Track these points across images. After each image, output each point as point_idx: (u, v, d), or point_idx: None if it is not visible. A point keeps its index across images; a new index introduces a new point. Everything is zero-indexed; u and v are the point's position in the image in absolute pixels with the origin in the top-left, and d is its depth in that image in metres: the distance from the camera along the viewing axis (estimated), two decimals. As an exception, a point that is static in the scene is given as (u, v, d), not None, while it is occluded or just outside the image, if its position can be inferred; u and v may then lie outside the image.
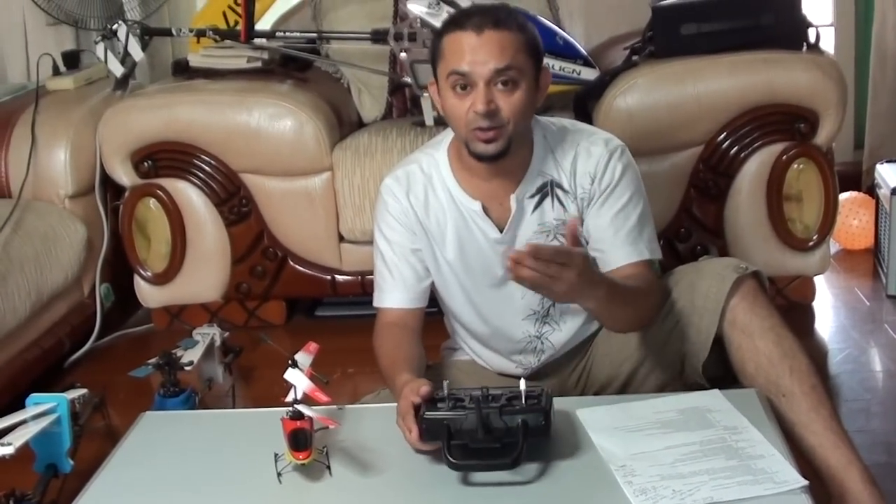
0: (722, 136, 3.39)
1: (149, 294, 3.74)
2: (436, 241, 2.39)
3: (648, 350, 2.40)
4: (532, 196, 2.33)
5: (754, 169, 3.42)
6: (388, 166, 3.43)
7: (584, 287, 2.05)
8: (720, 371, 2.32)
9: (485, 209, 2.34)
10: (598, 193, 2.33)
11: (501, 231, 2.34)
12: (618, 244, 2.33)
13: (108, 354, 3.63)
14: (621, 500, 1.85)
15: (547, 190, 2.33)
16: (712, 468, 1.90)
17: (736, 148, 3.39)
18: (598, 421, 2.11)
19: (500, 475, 1.95)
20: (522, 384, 2.02)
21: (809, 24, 3.51)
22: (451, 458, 1.94)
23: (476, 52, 2.17)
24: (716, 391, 2.19)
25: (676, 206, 3.46)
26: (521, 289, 2.36)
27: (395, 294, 2.42)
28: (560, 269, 1.99)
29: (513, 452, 1.93)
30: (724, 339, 2.28)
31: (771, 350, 2.22)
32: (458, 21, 2.24)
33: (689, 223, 3.46)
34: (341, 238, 3.60)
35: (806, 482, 1.86)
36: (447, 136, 2.38)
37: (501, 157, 2.25)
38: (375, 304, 2.46)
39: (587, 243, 2.34)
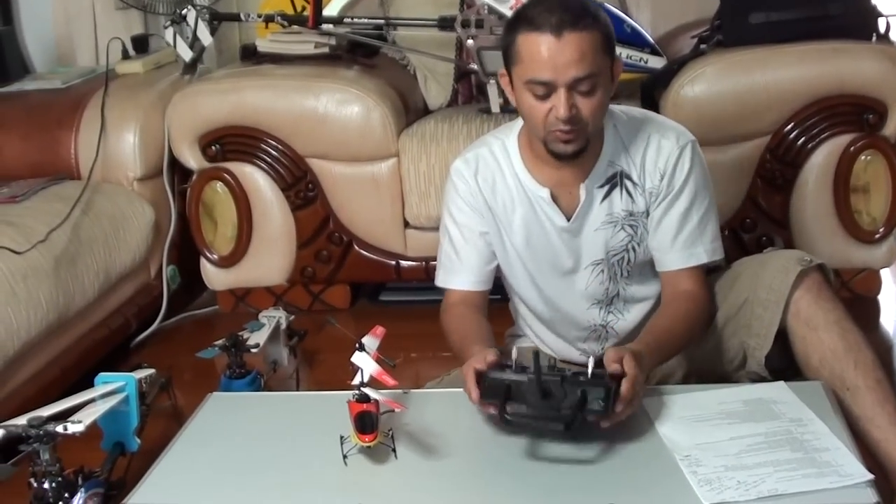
0: (789, 126, 3.36)
1: (214, 276, 3.77)
2: (503, 225, 2.39)
3: (712, 341, 2.41)
4: (601, 186, 2.34)
5: (821, 160, 3.39)
6: (454, 153, 3.43)
7: (644, 374, 2.10)
8: (783, 364, 2.32)
9: (553, 197, 2.34)
10: (664, 191, 2.33)
11: (569, 219, 2.35)
12: (676, 248, 2.36)
13: (173, 336, 3.67)
14: (685, 489, 1.85)
15: (616, 181, 2.34)
16: (777, 460, 1.90)
17: (803, 138, 3.36)
18: (663, 410, 2.11)
19: (561, 450, 1.96)
20: (591, 361, 2.03)
21: (879, 14, 3.47)
22: (505, 416, 1.98)
23: (556, 59, 2.13)
24: (781, 383, 2.18)
25: (742, 197, 3.44)
26: (587, 277, 2.39)
27: (461, 276, 2.44)
28: (635, 403, 2.04)
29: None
30: (788, 331, 2.28)
31: (836, 343, 2.22)
32: (534, 20, 2.16)
33: (755, 214, 3.44)
34: (406, 224, 3.61)
35: (871, 476, 1.85)
36: (518, 122, 2.37)
37: (578, 156, 2.26)
38: (440, 283, 2.49)
39: (643, 241, 2.37)
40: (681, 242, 2.35)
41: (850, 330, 2.24)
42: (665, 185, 2.33)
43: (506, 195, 2.38)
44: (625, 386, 2.00)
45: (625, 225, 2.35)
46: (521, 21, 2.20)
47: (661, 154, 2.33)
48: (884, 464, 2.14)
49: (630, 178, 2.34)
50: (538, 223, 2.36)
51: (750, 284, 2.36)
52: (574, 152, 2.23)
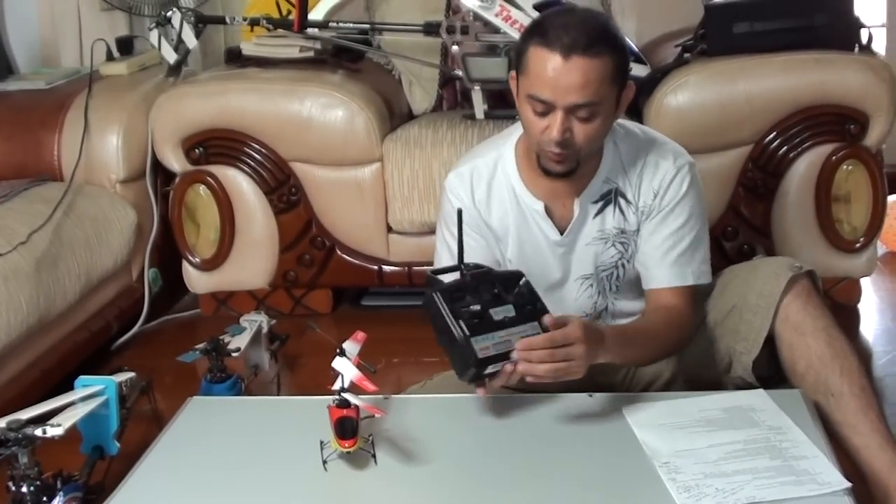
0: (772, 135, 3.37)
1: (197, 280, 3.77)
2: (498, 236, 2.40)
3: (697, 348, 2.41)
4: (596, 202, 2.34)
5: (803, 169, 3.40)
6: (438, 158, 3.46)
7: (596, 349, 2.09)
8: (769, 371, 2.33)
9: (547, 210, 2.34)
10: (657, 210, 2.34)
11: (562, 233, 2.35)
12: (664, 266, 2.36)
13: (154, 339, 3.66)
14: (664, 496, 1.85)
15: (611, 197, 2.34)
16: (755, 467, 1.91)
17: (785, 148, 3.38)
18: (643, 417, 2.12)
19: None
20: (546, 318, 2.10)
21: (862, 25, 3.48)
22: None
23: (559, 81, 2.11)
24: (761, 391, 2.19)
25: (724, 205, 3.45)
26: (575, 291, 2.40)
27: None
28: (567, 351, 2.03)
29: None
30: (775, 336, 2.29)
31: (822, 349, 2.23)
32: (547, 35, 2.13)
33: (737, 222, 3.45)
34: (389, 229, 3.61)
35: (849, 484, 1.86)
36: (517, 130, 2.36)
37: (569, 177, 2.26)
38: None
39: (632, 259, 2.38)
40: (669, 261, 2.35)
41: (838, 337, 2.25)
42: (658, 203, 2.33)
43: (501, 208, 2.38)
44: (564, 329, 2.03)
45: (615, 242, 2.36)
46: (536, 32, 2.17)
47: (657, 174, 2.33)
48: (864, 470, 2.15)
49: (624, 196, 2.34)
50: (531, 236, 2.36)
51: (740, 290, 2.37)
52: (563, 173, 2.24)
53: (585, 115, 2.14)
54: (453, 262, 2.35)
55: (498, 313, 2.09)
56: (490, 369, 2.06)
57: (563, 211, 2.35)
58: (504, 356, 2.05)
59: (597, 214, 2.35)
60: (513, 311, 2.09)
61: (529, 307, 2.10)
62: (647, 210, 2.34)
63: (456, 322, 2.07)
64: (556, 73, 2.11)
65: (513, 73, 2.25)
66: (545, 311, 2.10)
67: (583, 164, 2.25)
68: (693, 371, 2.43)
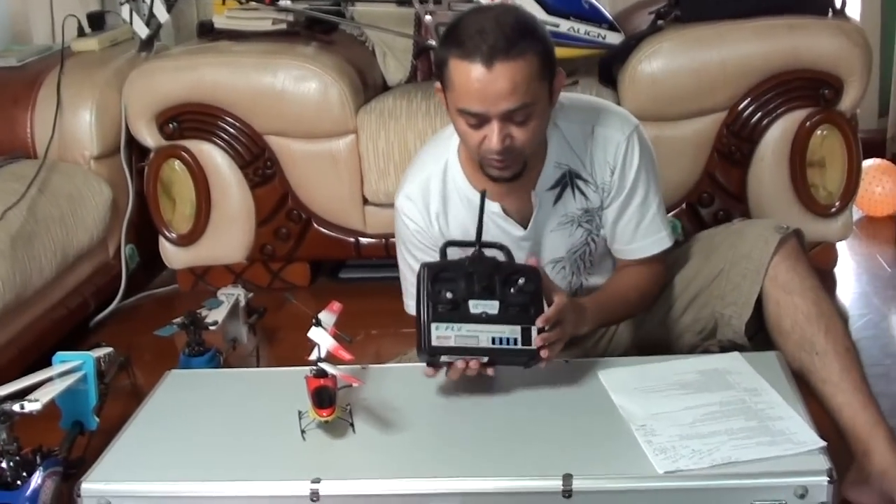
0: (746, 101, 3.38)
1: (173, 255, 3.76)
2: (462, 249, 2.38)
3: (679, 314, 2.44)
4: (552, 188, 2.33)
5: (778, 135, 3.41)
6: (413, 129, 3.46)
7: (580, 321, 2.20)
8: (750, 331, 2.36)
9: (504, 209, 2.33)
10: (617, 187, 2.34)
11: (525, 227, 2.35)
12: (638, 238, 2.39)
13: (133, 315, 3.66)
14: (641, 458, 1.88)
15: (566, 181, 2.33)
16: (731, 429, 1.93)
17: (760, 114, 3.39)
18: (619, 382, 2.14)
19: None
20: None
21: (835, -10, 3.50)
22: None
23: (486, 90, 2.06)
24: (736, 353, 2.22)
25: (700, 171, 3.46)
26: (550, 274, 2.39)
27: None
28: (560, 330, 2.09)
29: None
30: (762, 295, 2.31)
31: (809, 308, 2.25)
32: (465, 45, 2.07)
33: (713, 188, 3.47)
34: (365, 201, 3.61)
35: (824, 443, 1.88)
36: (454, 133, 2.27)
37: (518, 178, 2.24)
38: (409, 311, 2.45)
39: (601, 231, 2.39)
40: (643, 231, 2.38)
41: (824, 298, 2.28)
42: (617, 181, 2.33)
43: (458, 217, 2.36)
44: (550, 310, 2.07)
45: (582, 222, 2.37)
46: (452, 42, 2.11)
47: (608, 148, 2.32)
48: (845, 428, 2.17)
49: (580, 177, 2.33)
50: (494, 237, 2.29)
51: (726, 255, 2.39)
52: (510, 177, 2.22)
53: (522, 118, 2.10)
54: (414, 281, 2.34)
55: (477, 306, 2.07)
56: (444, 359, 2.07)
57: (520, 205, 2.34)
58: (465, 351, 2.05)
59: (556, 201, 2.34)
60: (496, 309, 2.07)
61: (517, 309, 2.07)
62: (608, 187, 2.34)
63: (427, 302, 2.07)
64: (481, 83, 2.06)
65: (437, 84, 2.21)
66: (541, 314, 2.08)
67: (529, 159, 2.23)
68: (670, 339, 2.46)
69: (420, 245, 2.39)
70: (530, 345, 2.06)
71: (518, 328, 2.06)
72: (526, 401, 2.11)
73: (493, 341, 2.06)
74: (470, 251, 2.13)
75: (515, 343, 2.06)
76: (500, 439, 2.01)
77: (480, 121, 2.11)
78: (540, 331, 2.06)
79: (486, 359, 2.07)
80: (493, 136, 2.10)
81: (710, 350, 2.39)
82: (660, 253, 2.41)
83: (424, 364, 2.11)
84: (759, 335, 2.34)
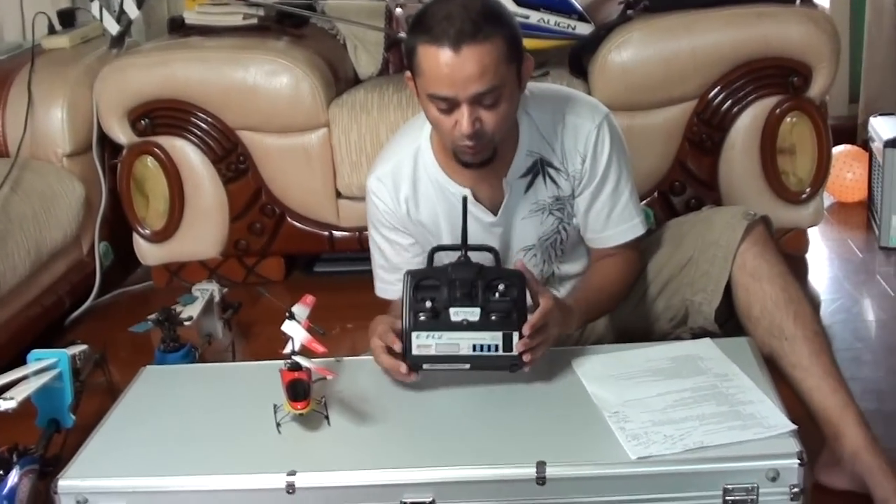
0: (716, 89, 3.40)
1: (148, 252, 3.76)
2: (430, 232, 2.40)
3: (651, 302, 2.46)
4: (523, 176, 2.35)
5: (748, 122, 3.44)
6: (385, 122, 3.47)
7: (567, 322, 2.22)
8: (721, 317, 2.37)
9: (475, 194, 2.34)
10: (588, 176, 2.35)
11: (495, 214, 2.36)
12: (611, 226, 2.40)
13: (108, 312, 3.66)
14: (614, 444, 1.89)
15: (538, 168, 2.35)
16: (703, 414, 1.95)
17: (730, 102, 3.41)
18: (592, 369, 2.16)
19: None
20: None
21: (803, -22, 3.52)
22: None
23: (455, 74, 2.08)
24: (707, 340, 2.24)
25: (671, 160, 3.49)
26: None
27: (397, 287, 2.37)
28: (545, 333, 2.10)
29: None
30: (731, 282, 2.33)
31: (777, 294, 2.27)
32: (433, 31, 2.09)
33: (684, 177, 3.49)
34: (338, 194, 3.62)
35: (794, 427, 1.90)
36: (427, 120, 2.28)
37: (488, 164, 2.25)
38: (380, 294, 2.51)
39: (572, 220, 2.40)
40: (615, 219, 2.40)
41: (792, 283, 2.30)
42: (588, 169, 2.35)
43: (429, 202, 2.38)
44: (536, 314, 2.08)
45: (553, 210, 2.38)
46: (420, 29, 2.14)
47: (578, 136, 2.33)
48: (816, 412, 2.19)
49: (551, 165, 2.35)
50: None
51: (695, 243, 2.41)
52: (482, 163, 2.23)
53: (491, 102, 2.12)
54: (387, 264, 2.39)
55: (458, 314, 2.08)
56: (426, 367, 2.09)
57: (491, 192, 2.35)
58: (446, 359, 2.07)
59: (528, 189, 2.36)
60: (477, 316, 2.08)
61: (499, 316, 2.08)
62: (579, 176, 2.35)
63: (409, 311, 2.08)
64: (450, 67, 2.08)
65: (408, 73, 2.22)
66: (524, 319, 2.08)
67: (500, 146, 2.25)
68: (642, 328, 2.48)
69: (389, 224, 2.42)
70: (512, 350, 2.07)
71: (499, 334, 2.07)
72: (500, 390, 2.13)
73: (474, 348, 2.07)
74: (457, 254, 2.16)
75: (497, 350, 2.07)
76: (475, 429, 2.02)
77: (450, 105, 2.12)
78: (522, 336, 2.07)
79: (467, 366, 2.09)
80: (463, 120, 2.12)
81: (681, 337, 2.41)
82: (633, 240, 2.42)
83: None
84: (730, 322, 2.36)
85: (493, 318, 2.08)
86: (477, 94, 2.10)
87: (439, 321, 2.08)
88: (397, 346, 2.10)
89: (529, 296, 2.13)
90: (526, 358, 2.07)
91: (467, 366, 2.08)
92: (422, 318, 2.08)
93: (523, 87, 2.24)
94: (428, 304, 2.08)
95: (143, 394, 2.30)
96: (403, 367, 2.10)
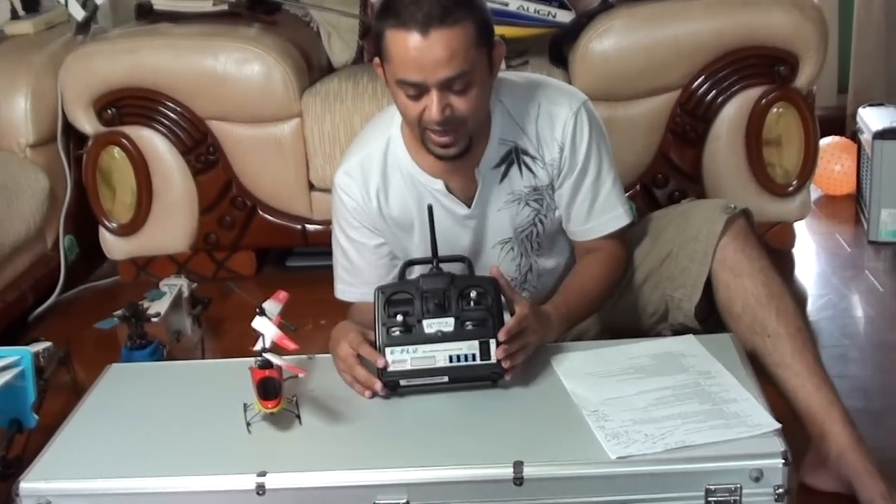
0: (700, 79, 3.41)
1: (114, 246, 3.75)
2: (402, 227, 2.40)
3: (630, 298, 2.46)
4: (497, 166, 2.34)
5: (733, 113, 3.45)
6: (360, 112, 3.47)
7: (546, 330, 2.21)
8: (704, 313, 2.38)
9: (447, 187, 2.34)
10: (568, 166, 2.35)
11: (469, 206, 2.36)
12: (594, 217, 2.40)
13: (73, 308, 3.65)
14: (593, 444, 1.90)
15: (512, 157, 2.34)
16: (685, 412, 1.95)
17: (714, 92, 3.42)
18: (572, 367, 2.16)
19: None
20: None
21: (790, -36, 3.53)
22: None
23: (423, 59, 2.08)
24: (690, 336, 2.24)
25: (654, 152, 3.49)
26: (496, 257, 2.42)
27: (360, 289, 2.43)
28: (523, 340, 2.11)
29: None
30: (712, 278, 2.34)
31: (759, 290, 2.27)
32: (401, 15, 2.10)
33: (667, 169, 3.50)
34: (312, 186, 3.62)
35: (779, 425, 1.91)
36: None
37: (463, 156, 2.25)
38: (339, 296, 2.50)
39: (550, 212, 2.40)
40: (598, 210, 2.40)
41: (774, 278, 2.30)
42: (568, 159, 2.34)
43: (399, 195, 2.37)
44: (511, 321, 2.08)
45: (529, 201, 2.38)
46: (388, 14, 2.14)
47: (555, 124, 2.33)
48: (800, 410, 2.21)
49: (527, 153, 2.34)
50: (437, 216, 2.26)
51: (674, 237, 2.41)
52: (455, 155, 2.23)
53: (461, 87, 2.12)
54: (350, 266, 2.39)
55: (431, 325, 2.08)
56: (403, 383, 2.09)
57: (464, 182, 2.35)
58: (423, 373, 2.07)
59: (502, 179, 2.35)
60: (451, 326, 2.09)
61: (474, 323, 2.08)
62: (557, 166, 2.35)
63: (382, 326, 2.09)
64: (418, 51, 2.08)
65: (376, 59, 2.23)
66: (500, 326, 2.08)
67: (476, 128, 2.24)
68: (621, 324, 2.48)
69: (355, 224, 2.41)
70: (490, 359, 2.07)
71: (475, 343, 2.07)
72: (476, 387, 2.12)
73: (451, 359, 2.08)
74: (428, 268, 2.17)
75: (474, 359, 2.08)
76: (450, 428, 2.03)
77: (419, 91, 2.13)
78: (499, 344, 2.07)
79: (445, 378, 2.09)
80: (432, 105, 2.12)
81: (662, 333, 2.42)
82: (618, 231, 2.42)
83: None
84: (712, 318, 2.37)
85: (469, 326, 2.08)
86: (446, 79, 2.10)
87: (413, 335, 2.09)
88: (380, 362, 2.09)
89: (505, 303, 2.14)
90: (506, 364, 2.07)
91: (445, 378, 2.08)
92: (395, 332, 2.09)
93: (495, 74, 2.24)
94: (400, 318, 2.08)
95: (109, 393, 2.29)
96: (378, 385, 2.10)
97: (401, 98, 2.17)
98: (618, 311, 2.49)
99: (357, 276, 2.44)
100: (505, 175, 2.35)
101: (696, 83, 3.41)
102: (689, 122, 3.44)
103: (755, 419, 1.93)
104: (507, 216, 2.39)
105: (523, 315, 2.12)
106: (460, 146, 2.22)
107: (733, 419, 1.93)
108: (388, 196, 2.37)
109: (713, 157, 3.49)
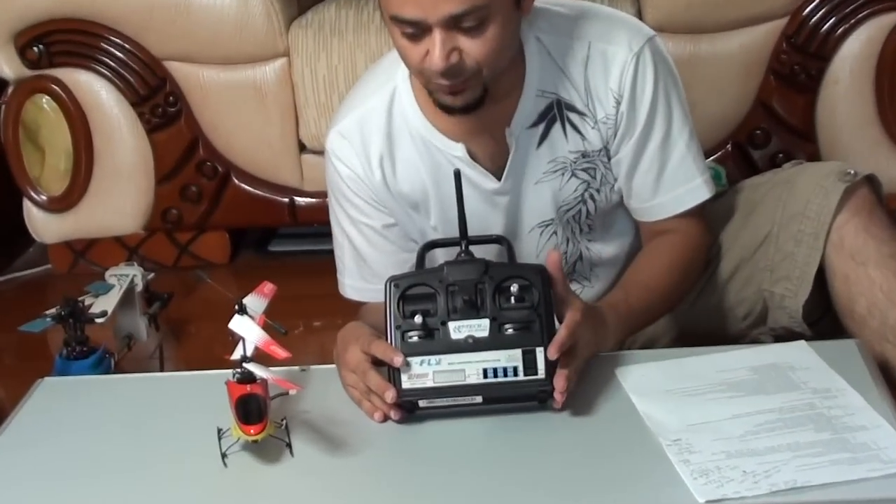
0: (813, 3, 3.40)
1: (44, 225, 3.78)
2: (414, 204, 2.40)
3: (715, 296, 2.45)
4: (534, 125, 2.33)
5: (858, 48, 3.45)
6: (364, 49, 3.47)
7: (604, 335, 2.19)
8: (814, 314, 2.37)
9: (470, 153, 2.33)
10: (625, 123, 2.33)
11: (499, 178, 2.35)
12: (663, 190, 2.39)
13: (-10, 306, 3.68)
14: (675, 483, 1.88)
15: (553, 114, 2.33)
16: (796, 443, 1.94)
17: (833, 19, 3.42)
18: (644, 383, 2.15)
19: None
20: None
21: None
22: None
23: None
24: (801, 342, 2.23)
25: (751, 101, 3.50)
26: (535, 244, 2.43)
27: (373, 285, 2.41)
28: (573, 357, 2.06)
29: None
30: (825, 268, 2.33)
31: (891, 283, 2.26)
32: None
33: (769, 123, 3.50)
34: (302, 147, 3.63)
35: (923, 461, 1.90)
36: None
37: (478, 108, 2.21)
38: (343, 292, 2.51)
39: (604, 186, 2.38)
40: (669, 181, 2.38)
41: None
42: (625, 114, 2.33)
43: (409, 164, 2.37)
44: (561, 332, 2.03)
45: (576, 170, 2.37)
46: None
47: (611, 69, 2.31)
48: None
49: (573, 108, 2.33)
50: None
51: (773, 215, 2.40)
52: (465, 106, 2.20)
53: (472, 25, 2.08)
54: (355, 254, 2.39)
55: (460, 329, 2.06)
56: (423, 404, 2.07)
57: (492, 147, 2.34)
58: (449, 391, 2.05)
59: (541, 142, 2.34)
60: (486, 330, 2.06)
61: (515, 329, 2.05)
62: (614, 123, 2.33)
63: (396, 330, 2.06)
64: None
65: None
66: (552, 329, 2.05)
67: (495, 85, 2.21)
68: (704, 328, 2.47)
69: (356, 201, 2.41)
70: (537, 373, 2.05)
71: (518, 353, 2.04)
72: (519, 413, 2.11)
73: (486, 374, 2.05)
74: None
75: (516, 373, 2.04)
76: (484, 462, 2.02)
77: (418, 31, 2.09)
78: (549, 361, 2.03)
79: (479, 399, 2.06)
80: (434, 50, 2.08)
81: (759, 340, 2.40)
82: (695, 207, 2.41)
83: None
84: (824, 320, 2.36)
85: (509, 331, 2.06)
86: (451, 16, 2.05)
87: (436, 341, 2.06)
88: (397, 360, 2.04)
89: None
90: (559, 386, 2.02)
91: (478, 398, 2.06)
92: (412, 338, 2.06)
93: (527, 8, 2.21)
94: (418, 318, 2.05)
95: (40, 414, 2.30)
96: (392, 394, 2.05)
97: (398, 38, 2.14)
98: (698, 312, 2.49)
99: (365, 267, 2.44)
100: (545, 137, 2.34)
101: (808, 8, 3.40)
102: (799, 61, 3.44)
103: (891, 453, 1.91)
104: (549, 190, 2.38)
105: (575, 322, 2.06)
106: (472, 95, 2.18)
107: (862, 452, 1.91)
108: (396, 166, 2.37)
109: (830, 106, 3.49)
